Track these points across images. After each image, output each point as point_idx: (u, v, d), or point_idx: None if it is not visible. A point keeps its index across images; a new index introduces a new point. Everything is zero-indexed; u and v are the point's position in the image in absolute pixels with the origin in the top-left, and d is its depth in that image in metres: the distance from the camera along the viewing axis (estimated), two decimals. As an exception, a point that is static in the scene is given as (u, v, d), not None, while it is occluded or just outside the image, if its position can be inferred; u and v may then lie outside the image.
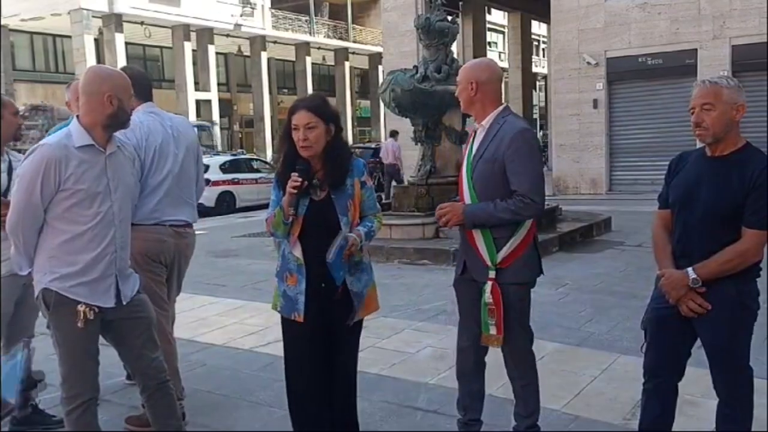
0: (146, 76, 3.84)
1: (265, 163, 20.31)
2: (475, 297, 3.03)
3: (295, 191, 2.78)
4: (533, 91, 30.96)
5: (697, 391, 3.29)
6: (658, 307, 2.70)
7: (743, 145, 2.57)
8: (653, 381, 2.77)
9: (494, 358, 3.17)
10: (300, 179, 2.78)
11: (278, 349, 4.60)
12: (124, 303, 2.80)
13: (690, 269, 2.54)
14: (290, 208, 2.81)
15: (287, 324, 2.97)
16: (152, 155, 3.52)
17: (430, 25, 9.45)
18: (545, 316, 5.28)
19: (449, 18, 9.67)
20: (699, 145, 2.74)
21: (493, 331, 2.93)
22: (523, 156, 2.88)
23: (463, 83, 3.01)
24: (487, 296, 2.91)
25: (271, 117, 34.60)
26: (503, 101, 3.11)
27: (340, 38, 39.22)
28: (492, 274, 2.93)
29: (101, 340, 2.84)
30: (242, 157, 19.78)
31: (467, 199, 2.99)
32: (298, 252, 2.88)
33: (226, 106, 35.05)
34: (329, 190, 2.89)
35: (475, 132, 3.07)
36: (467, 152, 3.06)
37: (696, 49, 15.99)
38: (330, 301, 2.90)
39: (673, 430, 2.86)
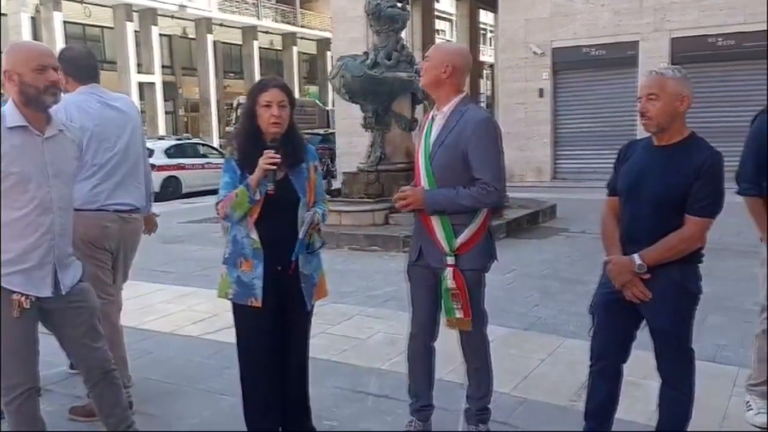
0: (89, 56, 3.68)
1: (212, 148, 19.96)
2: (429, 283, 3.05)
3: (274, 168, 2.76)
4: (480, 79, 31.21)
5: (639, 372, 3.39)
6: (605, 292, 2.77)
7: (688, 135, 2.65)
8: (600, 364, 2.84)
9: (441, 343, 3.21)
10: (278, 156, 2.76)
11: (227, 336, 4.57)
12: (63, 292, 2.68)
13: (636, 255, 2.61)
14: (262, 185, 2.78)
15: (241, 310, 2.93)
16: (90, 136, 3.38)
17: (380, 11, 9.41)
18: (494, 302, 5.31)
19: (400, 4, 9.64)
20: (641, 134, 2.81)
21: (459, 314, 2.95)
22: (486, 145, 2.92)
23: (436, 63, 2.96)
24: (450, 282, 2.92)
25: (217, 101, 33.99)
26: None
27: (288, 22, 38.76)
28: (450, 260, 2.94)
29: (42, 329, 2.75)
30: (188, 141, 19.37)
31: (425, 185, 2.98)
32: (255, 235, 2.85)
33: (170, 90, 34.25)
34: (287, 172, 2.88)
35: (432, 117, 3.06)
36: (423, 138, 3.04)
37: (637, 41, 16.41)
38: (284, 286, 2.88)
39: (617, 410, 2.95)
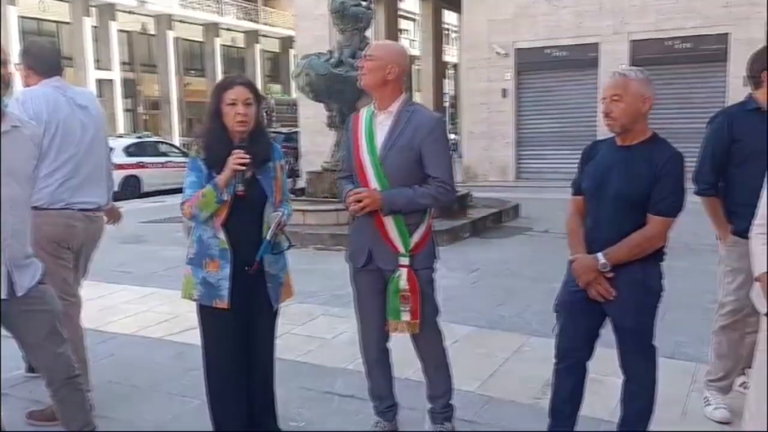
0: (53, 49, 3.60)
1: (173, 146, 19.68)
2: (378, 287, 3.03)
3: (244, 168, 2.72)
4: (444, 79, 31.40)
5: (601, 369, 3.44)
6: (570, 290, 2.80)
7: (651, 136, 2.70)
8: (565, 361, 2.88)
9: (403, 342, 3.21)
10: (248, 156, 2.72)
11: (191, 337, 4.52)
12: (20, 294, 2.57)
13: (600, 254, 2.65)
14: (231, 185, 2.74)
15: (207, 312, 2.89)
16: (54, 131, 3.29)
17: (344, 10, 9.39)
18: (458, 301, 5.41)
19: (364, 3, 9.63)
20: (601, 135, 2.86)
21: (406, 317, 2.93)
22: (441, 144, 2.95)
23: (381, 63, 2.91)
24: (403, 283, 2.91)
25: (178, 99, 33.52)
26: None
27: (251, 20, 38.42)
28: (404, 260, 2.93)
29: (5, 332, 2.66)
30: (148, 140, 19.05)
31: (375, 187, 2.93)
32: (222, 235, 2.81)
33: (130, 87, 33.64)
34: (254, 171, 2.85)
35: (370, 118, 3.00)
36: (365, 139, 2.97)
37: (598, 43, 16.69)
38: (251, 287, 2.85)
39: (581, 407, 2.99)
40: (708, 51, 15.67)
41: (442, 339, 3.18)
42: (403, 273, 2.92)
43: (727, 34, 15.41)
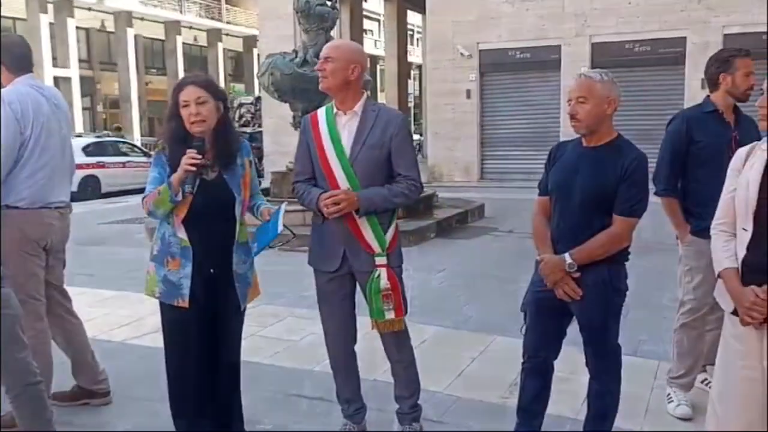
0: (25, 45, 3.49)
1: (133, 146, 19.34)
2: (346, 291, 3.05)
3: (194, 168, 2.68)
4: (408, 80, 31.49)
5: (567, 368, 3.49)
6: (537, 290, 2.83)
7: (615, 137, 2.75)
8: (532, 360, 2.91)
9: (369, 344, 3.21)
10: (200, 156, 2.68)
11: (155, 341, 4.44)
12: None
13: (567, 254, 2.68)
14: (183, 186, 2.71)
15: (168, 310, 2.86)
16: (39, 132, 3.25)
17: (310, 9, 9.34)
18: (425, 301, 5.41)
19: (329, 2, 9.59)
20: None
21: (390, 315, 2.94)
22: (409, 142, 3.00)
23: (343, 64, 2.88)
24: (384, 282, 2.91)
25: (139, 98, 32.97)
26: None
27: (213, 18, 37.97)
28: (382, 260, 2.94)
29: None
30: (108, 139, 18.68)
31: (345, 186, 2.91)
32: (182, 233, 2.77)
33: (88, 85, 32.96)
34: (221, 170, 2.81)
35: (332, 118, 2.98)
36: (330, 140, 2.94)
37: (560, 46, 16.92)
38: (216, 287, 2.82)
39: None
40: (666, 54, 16.01)
41: (410, 338, 3.18)
42: (383, 272, 2.92)
43: (684, 37, 15.76)
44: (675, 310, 3.68)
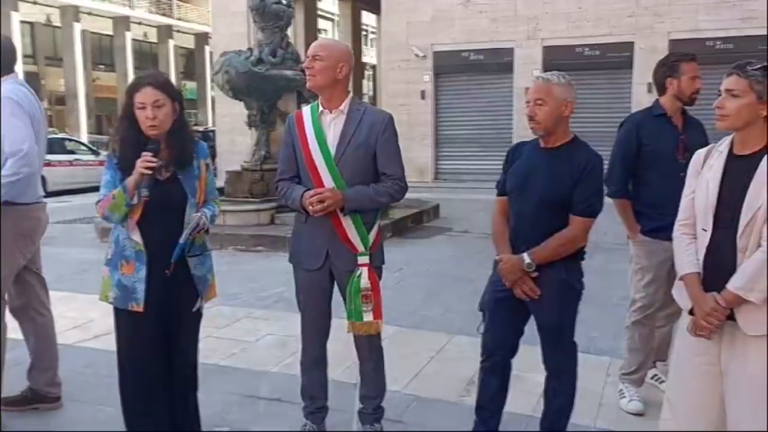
0: (11, 44, 3.49)
1: (81, 144, 18.84)
2: (324, 287, 3.04)
3: (150, 172, 2.62)
4: (363, 80, 31.49)
5: (523, 366, 3.55)
6: (496, 290, 2.87)
7: (572, 139, 2.81)
8: (491, 359, 2.94)
9: (332, 341, 3.21)
10: (155, 159, 2.63)
11: (105, 343, 4.34)
12: None
13: (525, 254, 2.72)
14: (138, 189, 2.65)
15: (122, 315, 2.79)
16: (38, 129, 3.31)
17: (265, 7, 9.26)
18: (383, 301, 5.41)
19: (285, 1, 9.53)
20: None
21: (368, 317, 2.93)
22: (394, 142, 2.99)
23: (332, 63, 2.89)
24: (364, 282, 2.91)
25: (86, 94, 32.12)
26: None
27: (164, 14, 37.25)
28: (364, 259, 2.94)
29: None
30: (54, 136, 18.14)
31: (331, 185, 2.91)
32: (137, 237, 2.71)
33: (32, 81, 31.92)
34: (175, 171, 2.76)
35: (316, 117, 2.98)
36: (315, 138, 2.94)
37: (513, 48, 17.17)
38: (172, 290, 2.77)
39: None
40: (614, 58, 16.40)
41: (381, 340, 3.20)
42: (364, 271, 2.92)
43: (632, 42, 16.18)
44: (625, 307, 3.76)
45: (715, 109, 2.31)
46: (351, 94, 3.02)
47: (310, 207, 2.84)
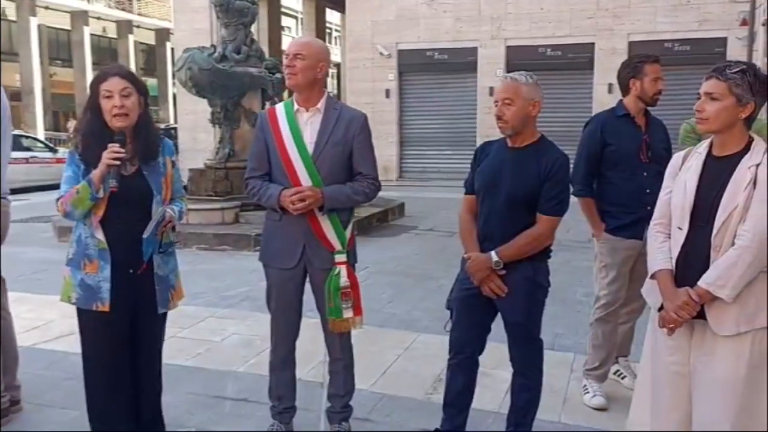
0: None
1: (37, 140, 18.38)
2: (300, 287, 3.04)
3: (117, 163, 2.57)
4: (327, 78, 31.40)
5: (490, 363, 3.59)
6: (463, 288, 2.89)
7: (539, 138, 2.84)
8: (459, 357, 2.95)
9: (299, 341, 3.20)
10: (122, 150, 2.58)
11: (66, 344, 4.26)
12: None
13: (493, 252, 2.75)
14: (105, 182, 2.60)
15: (86, 316, 2.73)
16: (6, 124, 3.28)
17: (229, 4, 9.16)
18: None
19: (248, -3, 9.44)
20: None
21: (349, 314, 2.95)
22: (369, 141, 3.03)
23: (313, 62, 2.88)
24: (344, 280, 2.91)
25: (43, 90, 31.34)
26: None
27: (123, 9, 36.53)
28: (341, 257, 2.94)
29: None
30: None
31: (308, 184, 2.90)
32: (100, 234, 2.66)
33: (-14, 75, 31.00)
34: (140, 166, 2.71)
35: (292, 116, 2.97)
36: (291, 137, 2.93)
37: (477, 47, 17.30)
38: (136, 289, 2.72)
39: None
40: (576, 59, 16.66)
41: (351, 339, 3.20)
42: (343, 270, 2.92)
43: (593, 43, 16.46)
44: (589, 304, 3.82)
45: (695, 112, 2.35)
46: (326, 93, 3.01)
47: (291, 205, 2.83)
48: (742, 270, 2.19)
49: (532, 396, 2.91)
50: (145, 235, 2.66)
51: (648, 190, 3.47)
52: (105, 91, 2.63)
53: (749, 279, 2.21)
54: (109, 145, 2.60)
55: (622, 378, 3.87)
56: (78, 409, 2.91)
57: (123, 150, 2.60)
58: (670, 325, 2.32)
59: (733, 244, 2.22)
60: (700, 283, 2.26)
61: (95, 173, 2.60)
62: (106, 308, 2.67)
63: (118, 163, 2.59)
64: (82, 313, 2.75)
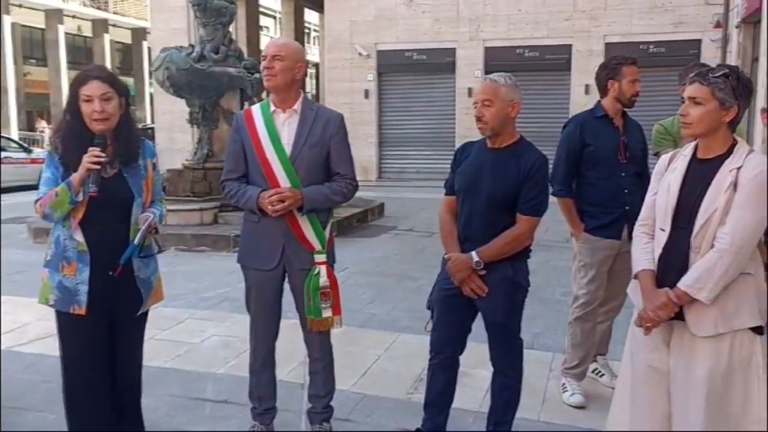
0: None
1: (10, 140, 18.09)
2: (279, 287, 3.05)
3: (98, 167, 2.55)
4: (306, 78, 31.32)
5: (470, 362, 3.61)
6: (444, 288, 2.90)
7: (518, 139, 2.86)
8: (439, 356, 2.97)
9: (280, 343, 3.20)
10: (103, 154, 2.56)
11: (44, 347, 4.21)
12: None
13: (473, 253, 2.77)
14: (85, 185, 2.57)
15: (64, 318, 2.70)
16: None
17: (206, 3, 9.11)
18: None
19: (226, -3, 9.39)
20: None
21: (328, 313, 2.95)
22: (347, 142, 3.04)
23: (291, 64, 2.88)
24: (323, 280, 2.92)
25: (17, 90, 30.87)
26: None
27: (99, 8, 36.10)
28: (321, 257, 2.95)
29: None
30: (-19, 133, 17.37)
31: (286, 185, 2.90)
32: (79, 236, 2.63)
33: (-42, 74, 30.48)
34: (120, 168, 2.69)
35: (269, 117, 2.97)
36: (269, 138, 2.93)
37: (455, 48, 17.37)
38: (116, 291, 2.70)
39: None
40: (553, 60, 16.79)
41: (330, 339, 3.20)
42: (323, 269, 2.93)
43: (570, 45, 16.59)
44: (568, 304, 3.86)
45: (679, 116, 2.38)
46: (303, 94, 3.02)
47: (270, 207, 2.83)
48: (720, 273, 2.22)
49: (511, 395, 2.93)
50: (136, 242, 2.66)
51: (626, 190, 3.52)
52: (85, 96, 2.60)
53: (727, 282, 2.24)
54: (90, 148, 2.57)
55: (601, 376, 3.92)
56: (56, 413, 2.87)
57: (104, 154, 2.58)
58: (648, 325, 2.35)
59: (712, 246, 2.25)
60: (679, 284, 2.29)
61: (75, 177, 2.57)
62: (83, 311, 2.65)
63: (98, 167, 2.57)
64: (60, 316, 2.73)
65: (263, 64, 2.92)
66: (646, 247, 2.46)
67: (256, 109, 3.02)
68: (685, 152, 2.44)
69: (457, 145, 3.10)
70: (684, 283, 2.28)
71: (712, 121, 2.29)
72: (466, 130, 14.60)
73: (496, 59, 16.76)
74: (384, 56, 17.95)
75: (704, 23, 15.32)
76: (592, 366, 3.92)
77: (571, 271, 3.88)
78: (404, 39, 17.67)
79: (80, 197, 2.59)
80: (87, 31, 36.40)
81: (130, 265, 2.73)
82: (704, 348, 2.29)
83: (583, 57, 15.94)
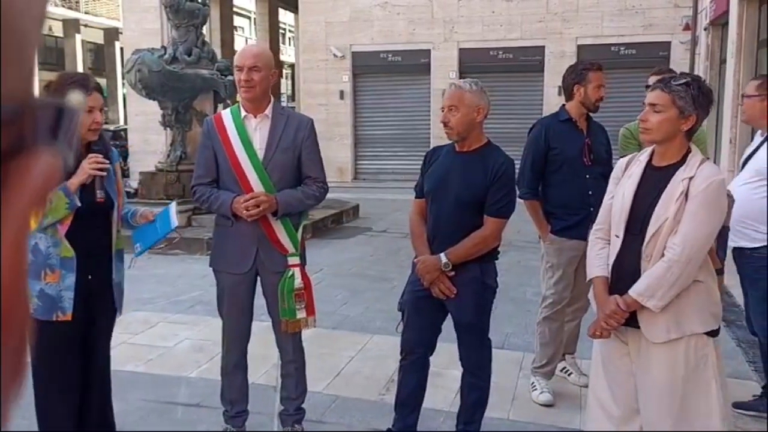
0: None
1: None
2: (252, 290, 3.07)
3: (103, 173, 2.61)
4: (281, 79, 31.19)
5: (441, 363, 3.66)
6: (414, 290, 2.95)
7: (485, 143, 2.92)
8: (410, 357, 3.02)
9: (252, 346, 3.22)
10: (107, 160, 2.62)
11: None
12: None
13: (442, 255, 2.81)
14: (94, 191, 2.63)
15: (45, 327, 2.68)
16: None
17: (179, 4, 9.04)
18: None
19: (200, -1, 9.34)
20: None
21: (302, 314, 2.99)
22: (317, 145, 3.07)
23: (266, 72, 2.92)
24: (297, 282, 2.96)
25: (-14, 90, 30.37)
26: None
27: (70, 8, 35.66)
28: (294, 260, 2.98)
29: None
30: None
31: (259, 189, 2.92)
32: (66, 243, 2.64)
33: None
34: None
35: (240, 122, 2.98)
36: (241, 143, 2.94)
37: (430, 50, 17.44)
38: (95, 295, 2.72)
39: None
40: (527, 61, 16.93)
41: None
42: (296, 271, 2.97)
43: (543, 47, 16.75)
44: (539, 303, 3.93)
45: (639, 122, 2.43)
46: (272, 99, 3.05)
47: (245, 211, 2.85)
48: (670, 283, 2.25)
49: (481, 394, 2.98)
50: (175, 225, 2.81)
51: (590, 192, 3.59)
52: (87, 106, 2.64)
53: (677, 291, 2.27)
54: (91, 155, 2.61)
55: (569, 375, 3.99)
56: (26, 418, 2.85)
57: (108, 160, 2.63)
58: (598, 333, 2.40)
59: (663, 255, 2.28)
60: (630, 292, 2.32)
61: (72, 182, 2.58)
62: (68, 317, 2.65)
63: (104, 173, 2.61)
64: (39, 325, 2.71)
65: (241, 76, 2.91)
66: (600, 253, 2.50)
67: (226, 114, 3.03)
68: (642, 157, 2.48)
69: (433, 145, 3.15)
70: (634, 291, 2.31)
71: (670, 128, 2.32)
72: (441, 131, 14.37)
73: (470, 60, 16.88)
74: (359, 57, 17.96)
75: (674, 25, 15.57)
76: (561, 365, 3.99)
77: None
78: (379, 40, 17.70)
79: (78, 202, 2.60)
80: (58, 31, 35.91)
81: (109, 270, 2.75)
82: (660, 353, 2.34)
83: (556, 58, 16.10)
